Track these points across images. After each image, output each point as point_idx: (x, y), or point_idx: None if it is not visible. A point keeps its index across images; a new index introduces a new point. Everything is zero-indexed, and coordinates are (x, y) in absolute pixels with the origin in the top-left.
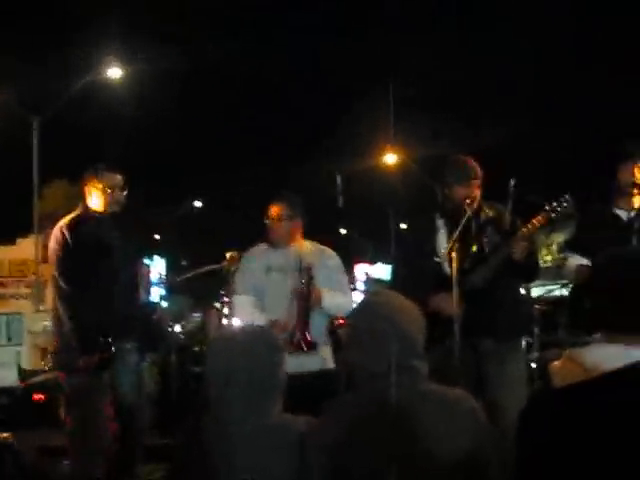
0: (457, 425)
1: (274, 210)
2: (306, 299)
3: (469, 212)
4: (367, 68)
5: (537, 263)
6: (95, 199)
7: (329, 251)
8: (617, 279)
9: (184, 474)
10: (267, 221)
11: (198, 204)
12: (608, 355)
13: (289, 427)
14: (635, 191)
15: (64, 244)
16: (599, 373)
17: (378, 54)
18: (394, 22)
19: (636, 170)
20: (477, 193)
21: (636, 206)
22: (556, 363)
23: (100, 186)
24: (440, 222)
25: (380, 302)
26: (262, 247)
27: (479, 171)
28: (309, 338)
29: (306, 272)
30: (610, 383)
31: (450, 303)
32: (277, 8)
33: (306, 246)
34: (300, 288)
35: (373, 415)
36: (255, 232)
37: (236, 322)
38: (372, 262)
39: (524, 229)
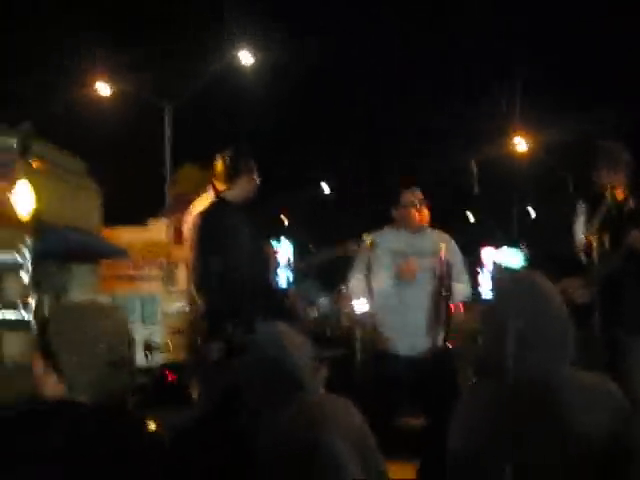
0: (603, 411)
1: (416, 196)
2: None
3: (610, 199)
4: (497, 57)
5: None
6: (238, 189)
7: (449, 237)
8: None
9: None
10: (404, 207)
11: (327, 188)
12: None
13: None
14: None
15: (200, 232)
16: None
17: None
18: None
19: None
20: (623, 181)
21: None
22: None
23: (245, 176)
24: (582, 208)
25: (531, 282)
26: (394, 231)
27: (628, 160)
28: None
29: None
30: None
31: (578, 290)
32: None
33: (431, 231)
34: (442, 294)
35: (517, 402)
36: (382, 219)
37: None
38: (497, 246)
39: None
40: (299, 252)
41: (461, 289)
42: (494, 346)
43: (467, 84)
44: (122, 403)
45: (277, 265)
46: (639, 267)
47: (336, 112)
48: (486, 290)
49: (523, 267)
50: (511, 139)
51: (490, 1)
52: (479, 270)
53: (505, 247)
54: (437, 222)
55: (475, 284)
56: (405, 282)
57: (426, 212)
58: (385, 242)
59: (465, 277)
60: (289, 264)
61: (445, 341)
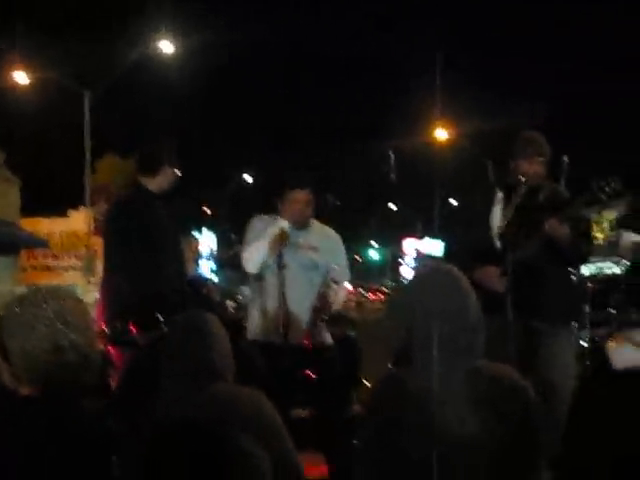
0: (507, 402)
1: (303, 196)
2: (323, 308)
3: (525, 188)
4: (417, 48)
5: (585, 244)
6: (160, 179)
7: (334, 234)
8: None
9: None
10: (291, 204)
11: (249, 178)
12: None
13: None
14: None
15: (115, 221)
16: None
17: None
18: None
19: None
20: (540, 171)
21: None
22: (613, 344)
23: (167, 167)
24: (499, 196)
25: (446, 275)
26: (272, 222)
27: (547, 149)
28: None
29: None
30: None
31: (494, 278)
32: None
33: (316, 226)
34: (322, 295)
35: (424, 393)
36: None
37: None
38: (420, 237)
39: (568, 209)
40: (221, 243)
41: (339, 290)
42: (404, 336)
43: (388, 73)
44: (72, 392)
45: (199, 256)
46: (555, 255)
47: (257, 102)
48: (408, 279)
49: (443, 257)
50: (432, 128)
51: None
52: (401, 261)
53: (427, 238)
54: (358, 212)
55: (397, 275)
56: (291, 272)
57: (311, 210)
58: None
59: (344, 277)
60: (211, 255)
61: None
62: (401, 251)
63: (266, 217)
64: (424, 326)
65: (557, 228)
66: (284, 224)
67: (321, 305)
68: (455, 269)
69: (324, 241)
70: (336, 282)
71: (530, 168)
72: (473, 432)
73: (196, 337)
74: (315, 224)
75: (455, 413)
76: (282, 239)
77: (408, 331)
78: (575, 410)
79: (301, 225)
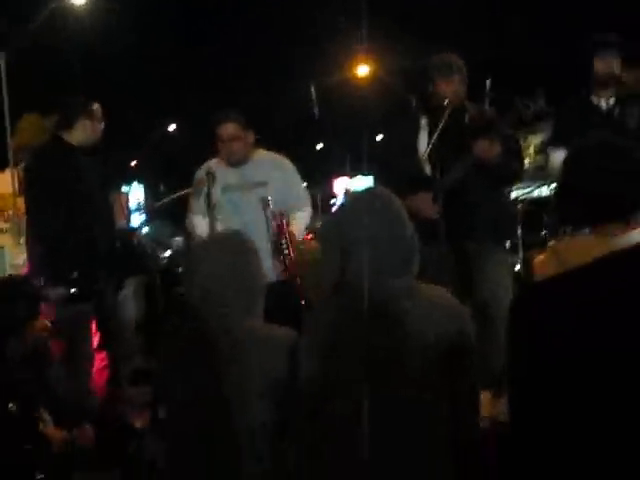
0: (443, 323)
1: (228, 130)
2: (280, 240)
3: (449, 109)
4: None
5: (517, 162)
6: (81, 132)
7: (284, 162)
8: (585, 168)
9: (167, 389)
10: (222, 142)
11: (172, 127)
12: (586, 246)
13: (275, 335)
14: (612, 81)
15: (36, 173)
16: (576, 265)
17: None
18: None
19: (611, 60)
20: (460, 90)
21: (613, 94)
22: (540, 257)
23: (88, 120)
24: (423, 121)
25: (373, 197)
26: (217, 165)
27: (462, 67)
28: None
29: (279, 218)
30: (585, 275)
31: (428, 204)
32: None
33: (262, 159)
34: (275, 228)
35: (361, 315)
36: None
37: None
38: (351, 175)
39: (495, 128)
40: (150, 194)
41: (300, 217)
42: (337, 262)
43: (307, 9)
44: None
45: (128, 209)
46: (485, 176)
47: (176, 50)
48: None
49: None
50: (356, 65)
51: None
52: (333, 201)
53: (359, 175)
54: (285, 153)
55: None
56: (225, 211)
57: (250, 139)
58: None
59: (305, 203)
60: (140, 206)
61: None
62: (332, 191)
63: (206, 163)
64: (356, 249)
65: (486, 148)
66: (212, 164)
67: (277, 236)
68: (383, 189)
69: (272, 173)
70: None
71: (448, 87)
72: (409, 351)
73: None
74: (260, 158)
75: (391, 334)
76: (205, 181)
77: (342, 257)
78: (509, 325)
79: (237, 161)
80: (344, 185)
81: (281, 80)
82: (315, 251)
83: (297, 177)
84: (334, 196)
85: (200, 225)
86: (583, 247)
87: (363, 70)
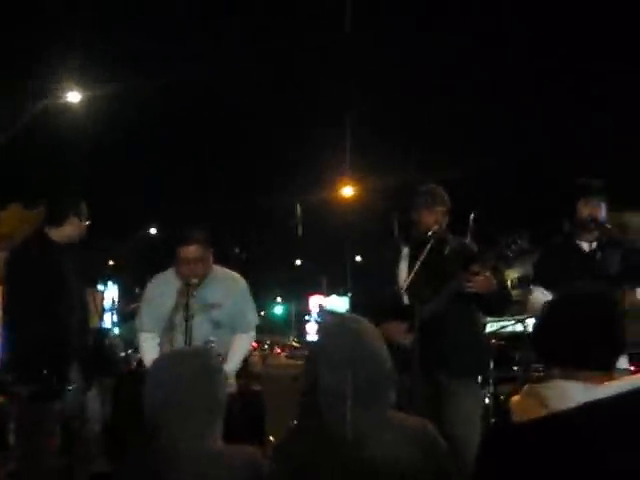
0: (419, 452)
1: (191, 252)
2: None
3: (432, 241)
4: (326, 104)
5: (507, 294)
6: (68, 230)
7: (239, 283)
8: (572, 316)
9: None
10: (180, 263)
11: (153, 231)
12: (568, 392)
13: (236, 458)
14: (593, 225)
15: (16, 268)
16: (558, 410)
17: (335, 92)
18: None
19: (594, 206)
20: (443, 221)
21: (595, 238)
22: (516, 398)
23: (76, 218)
24: (405, 250)
25: (353, 325)
26: (172, 279)
27: (447, 199)
28: None
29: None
30: (568, 421)
31: (401, 332)
32: (229, 46)
33: (217, 279)
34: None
35: (337, 439)
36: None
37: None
38: (327, 294)
39: (475, 265)
40: (125, 295)
41: (242, 342)
42: (312, 388)
43: (297, 128)
44: None
45: (103, 308)
46: (462, 309)
47: (166, 155)
48: (313, 336)
49: (348, 311)
50: (339, 185)
51: (321, 46)
52: (307, 318)
53: (334, 295)
54: (264, 266)
55: (303, 331)
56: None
57: (210, 259)
58: (160, 293)
59: (251, 327)
60: (114, 307)
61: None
62: (307, 308)
63: (162, 275)
64: (328, 376)
65: (485, 282)
66: (169, 276)
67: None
68: (361, 318)
69: (226, 295)
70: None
71: (430, 218)
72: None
73: None
74: (216, 277)
75: (366, 462)
76: (185, 293)
77: (312, 383)
78: (477, 465)
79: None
80: (319, 302)
81: (266, 196)
82: (283, 366)
83: (249, 299)
84: (308, 312)
85: (149, 348)
86: (565, 394)
87: (347, 191)
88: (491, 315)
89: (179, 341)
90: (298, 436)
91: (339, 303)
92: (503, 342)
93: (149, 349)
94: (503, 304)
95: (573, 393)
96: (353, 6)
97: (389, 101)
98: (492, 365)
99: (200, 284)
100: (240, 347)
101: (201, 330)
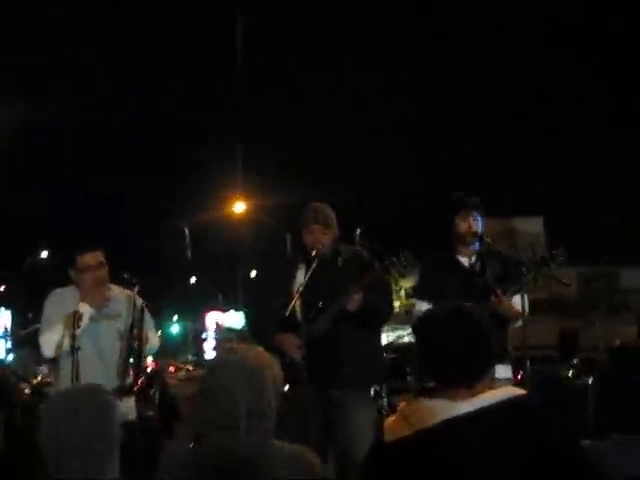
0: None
1: (93, 258)
2: (139, 339)
3: (315, 261)
4: (215, 122)
5: (389, 306)
6: None
7: (130, 295)
8: (432, 335)
9: None
10: (83, 270)
11: (44, 255)
12: (429, 411)
13: None
14: (472, 239)
15: None
16: (420, 428)
17: (226, 108)
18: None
19: (471, 220)
20: (324, 238)
21: (474, 252)
22: (390, 418)
23: None
24: (301, 265)
25: (233, 359)
26: (73, 295)
27: (328, 216)
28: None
29: (139, 313)
30: (427, 438)
31: (293, 346)
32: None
33: (116, 294)
34: (134, 331)
35: (216, 469)
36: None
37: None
38: (224, 310)
39: (357, 283)
40: (18, 321)
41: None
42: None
43: (185, 149)
44: None
45: None
46: (353, 323)
47: (52, 180)
48: (210, 353)
49: (243, 329)
50: (233, 202)
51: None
52: (204, 335)
53: (232, 310)
54: (158, 289)
55: (200, 350)
56: (86, 354)
57: (105, 272)
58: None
59: (154, 333)
60: (6, 333)
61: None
62: (203, 325)
63: (60, 290)
64: (209, 406)
65: (354, 297)
66: (68, 293)
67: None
68: (249, 346)
69: (125, 307)
70: None
71: (309, 237)
72: None
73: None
74: (114, 292)
75: None
76: (74, 321)
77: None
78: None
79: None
80: (215, 319)
81: (155, 217)
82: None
83: (146, 313)
84: (205, 330)
85: (49, 341)
86: (428, 412)
87: (239, 207)
88: (370, 329)
89: (67, 368)
90: (186, 459)
91: (236, 319)
92: (397, 353)
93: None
94: (378, 321)
95: (433, 411)
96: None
97: (282, 119)
98: (386, 376)
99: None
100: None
101: (106, 338)
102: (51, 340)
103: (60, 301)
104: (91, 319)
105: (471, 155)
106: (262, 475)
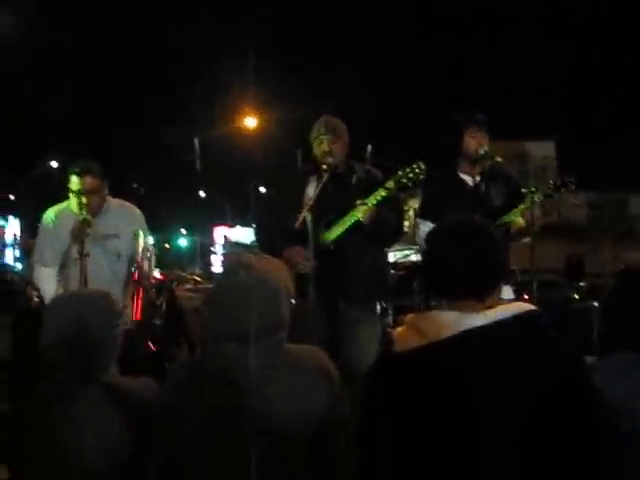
0: (310, 384)
1: (87, 183)
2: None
3: (326, 169)
4: (228, 33)
5: (394, 228)
6: None
7: (134, 212)
8: (446, 248)
9: (20, 438)
10: (77, 194)
11: (55, 164)
12: (444, 322)
13: (130, 392)
14: (482, 156)
15: None
16: (435, 339)
17: (238, 18)
18: None
19: (480, 137)
20: (334, 148)
21: (479, 172)
22: (399, 329)
23: None
24: (312, 178)
25: (245, 265)
26: (68, 212)
27: (338, 126)
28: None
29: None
30: (443, 349)
31: (302, 258)
32: None
33: (113, 210)
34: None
35: (225, 379)
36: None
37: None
38: (232, 225)
39: (372, 196)
40: (27, 230)
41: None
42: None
43: (195, 61)
44: None
45: (4, 243)
46: (363, 238)
47: (64, 90)
48: (218, 266)
49: (252, 243)
50: (243, 116)
51: None
52: (212, 249)
53: (239, 226)
54: (166, 202)
55: (208, 262)
56: (93, 260)
57: (106, 191)
58: (65, 226)
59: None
60: (16, 241)
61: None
62: (212, 239)
63: (58, 208)
64: (217, 317)
65: (366, 210)
66: (63, 209)
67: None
68: (262, 255)
69: (123, 224)
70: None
71: (319, 149)
72: (283, 418)
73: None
74: (111, 208)
75: (263, 397)
76: (82, 228)
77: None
78: (362, 392)
79: (92, 214)
80: (224, 234)
81: (167, 130)
82: (187, 298)
83: (145, 228)
84: (213, 244)
85: (47, 282)
86: (442, 323)
87: (251, 122)
88: (379, 242)
89: (74, 277)
90: (187, 368)
91: (244, 234)
92: (403, 272)
93: (48, 283)
94: (388, 235)
95: (448, 323)
96: None
97: (292, 34)
98: (393, 294)
99: (96, 216)
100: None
101: (99, 262)
102: (47, 291)
103: (56, 225)
104: (78, 244)
105: (483, 76)
106: (280, 383)
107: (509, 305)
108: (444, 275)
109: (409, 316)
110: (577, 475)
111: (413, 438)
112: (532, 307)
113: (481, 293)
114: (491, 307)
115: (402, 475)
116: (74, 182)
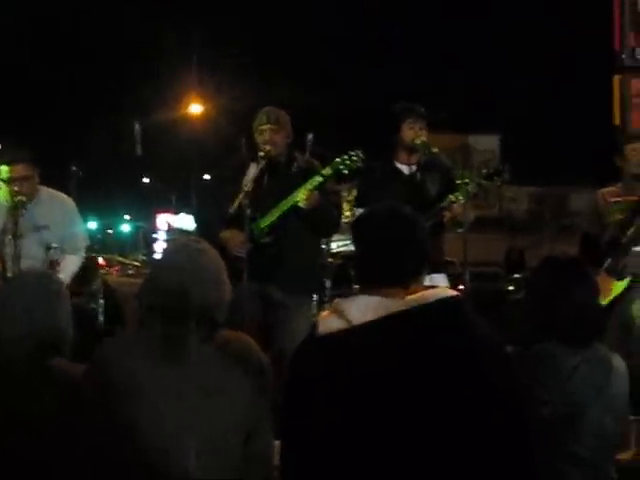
0: (241, 372)
1: (18, 171)
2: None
3: (263, 156)
4: (173, 17)
5: (332, 218)
6: None
7: (66, 203)
8: (369, 234)
9: None
10: (7, 183)
11: None
12: (366, 306)
13: (68, 373)
14: (419, 147)
15: None
16: (357, 323)
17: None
18: None
19: (418, 128)
20: (276, 138)
21: (415, 162)
22: (323, 313)
23: None
24: (253, 165)
25: (181, 249)
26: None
27: (280, 117)
28: None
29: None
30: (365, 333)
31: (238, 243)
32: None
33: (44, 200)
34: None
35: (163, 355)
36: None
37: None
38: (176, 212)
39: (308, 183)
40: None
41: (71, 262)
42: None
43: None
44: None
45: None
46: (300, 226)
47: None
48: (160, 253)
49: (194, 231)
50: (188, 103)
51: None
52: (155, 236)
53: (183, 213)
54: (108, 187)
55: (151, 249)
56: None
57: (37, 179)
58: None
59: (79, 247)
60: None
61: None
62: (154, 225)
63: None
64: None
65: (313, 200)
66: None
67: None
68: (201, 240)
69: (54, 215)
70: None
71: (260, 138)
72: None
73: None
74: (43, 198)
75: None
76: (13, 213)
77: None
78: (287, 376)
79: (23, 202)
80: (167, 220)
81: (109, 115)
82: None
83: (77, 220)
84: (156, 230)
85: None
86: (364, 307)
87: (196, 108)
88: (319, 235)
89: (8, 261)
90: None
91: (188, 221)
92: (341, 260)
93: None
94: (326, 223)
95: (370, 307)
96: None
97: (238, 22)
98: (330, 284)
99: (28, 204)
100: (68, 268)
101: (31, 251)
102: None
103: None
104: (9, 231)
105: (431, 69)
106: (208, 363)
107: (431, 290)
108: (367, 261)
109: (335, 301)
110: (503, 459)
111: (333, 420)
112: (452, 292)
113: (404, 279)
114: (416, 292)
115: (322, 458)
116: (4, 170)
